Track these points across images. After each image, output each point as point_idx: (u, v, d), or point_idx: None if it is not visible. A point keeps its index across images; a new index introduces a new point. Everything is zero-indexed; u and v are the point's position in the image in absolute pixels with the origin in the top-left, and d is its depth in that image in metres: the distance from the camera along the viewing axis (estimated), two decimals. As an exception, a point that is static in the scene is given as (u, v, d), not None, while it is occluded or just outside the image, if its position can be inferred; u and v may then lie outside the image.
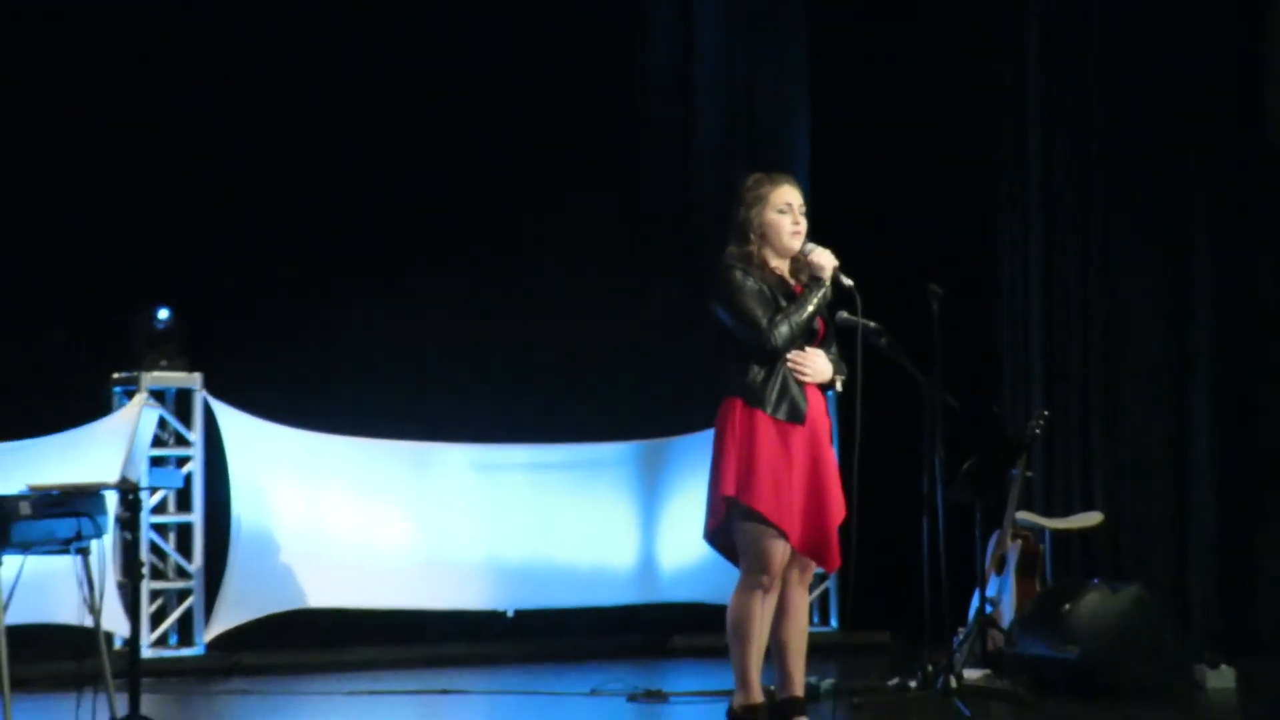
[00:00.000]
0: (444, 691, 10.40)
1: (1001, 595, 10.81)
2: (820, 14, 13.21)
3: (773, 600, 7.98)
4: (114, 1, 11.71)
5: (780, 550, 7.84)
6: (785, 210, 7.93)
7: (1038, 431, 11.00)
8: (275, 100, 12.01)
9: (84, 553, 7.51)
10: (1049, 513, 11.81)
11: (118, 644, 10.07)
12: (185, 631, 11.41)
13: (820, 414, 7.98)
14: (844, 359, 8.11)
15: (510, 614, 12.07)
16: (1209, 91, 12.35)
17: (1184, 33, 12.31)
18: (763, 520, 7.79)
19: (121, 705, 7.52)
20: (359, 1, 12.35)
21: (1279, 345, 12.71)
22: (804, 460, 7.89)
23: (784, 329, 7.77)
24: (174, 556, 11.42)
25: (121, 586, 9.76)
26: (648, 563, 12.43)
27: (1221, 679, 10.03)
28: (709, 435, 8.13)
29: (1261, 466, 12.55)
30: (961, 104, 12.92)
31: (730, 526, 7.89)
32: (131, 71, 11.71)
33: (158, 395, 11.20)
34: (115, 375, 11.23)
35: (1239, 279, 12.54)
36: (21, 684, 7.27)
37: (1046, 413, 11.37)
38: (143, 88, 11.73)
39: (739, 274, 7.84)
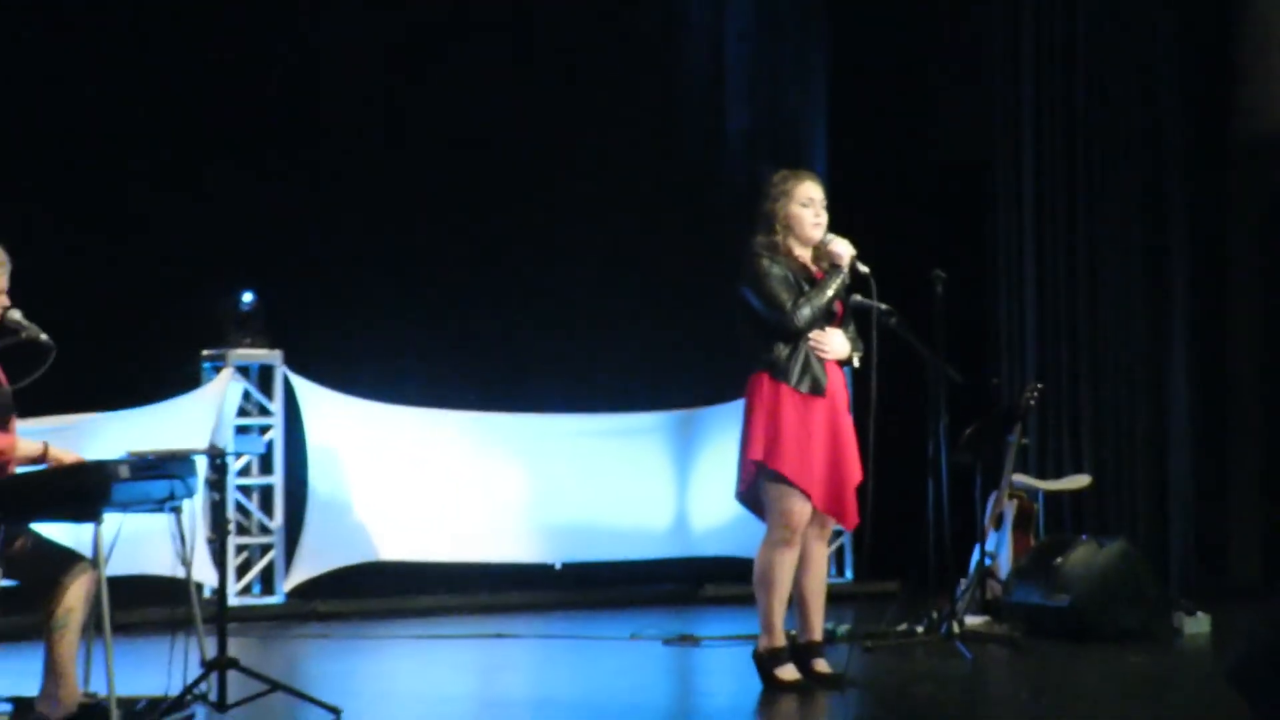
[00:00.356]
0: (498, 635, 10.43)
1: (999, 549, 10.80)
2: (840, 24, 13.17)
3: (795, 553, 8.05)
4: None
5: (803, 509, 7.94)
6: (808, 204, 8.04)
7: (1031, 402, 11.02)
8: (346, 106, 12.00)
9: (177, 511, 7.52)
10: (1042, 475, 11.78)
11: (206, 593, 10.09)
12: (267, 582, 11.47)
13: (839, 387, 8.07)
14: (860, 337, 8.18)
15: (558, 566, 12.09)
16: (1185, 92, 12.34)
17: (1164, 39, 12.29)
18: (787, 482, 7.90)
19: (210, 648, 7.52)
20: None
21: (1247, 326, 12.72)
22: (824, 428, 7.98)
23: (806, 311, 7.88)
24: (257, 515, 11.46)
25: (210, 541, 9.79)
26: (681, 520, 12.43)
27: (1198, 625, 10.05)
28: (737, 406, 8.19)
29: (1231, 437, 12.57)
30: (961, 106, 12.88)
31: (758, 487, 7.97)
32: (226, 78, 11.76)
33: (243, 370, 11.24)
34: (205, 353, 11.25)
35: (1212, 266, 12.56)
36: (121, 629, 7.28)
37: (1039, 385, 11.38)
38: (234, 97, 11.75)
39: (766, 261, 7.94)
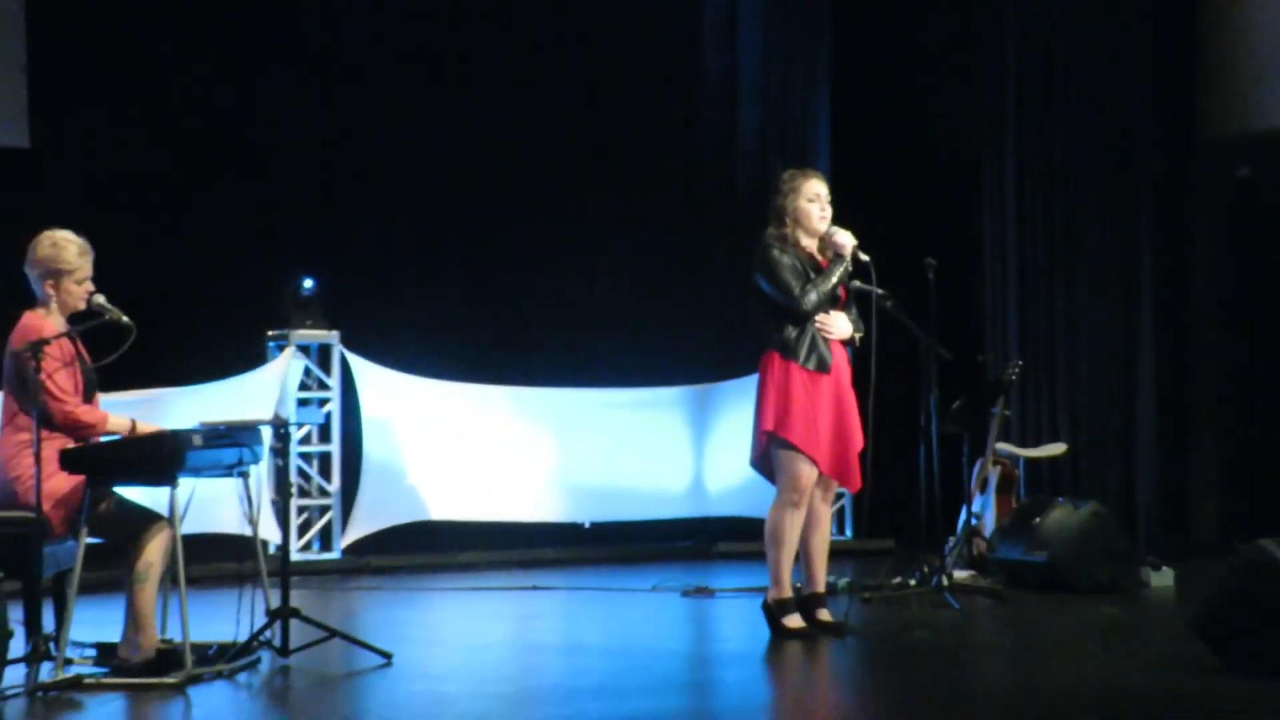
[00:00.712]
0: (534, 588, 10.44)
1: (984, 511, 10.80)
2: (842, 37, 13.16)
3: (803, 514, 8.11)
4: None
5: (810, 473, 8.02)
6: (814, 199, 8.12)
7: (1013, 377, 11.00)
8: (392, 115, 11.99)
9: (244, 476, 7.54)
10: (1022, 443, 11.78)
11: (271, 549, 10.11)
12: (325, 539, 11.48)
13: (843, 364, 8.16)
14: (861, 319, 8.21)
15: (587, 525, 12.11)
16: (1154, 98, 12.33)
17: (1135, 49, 12.28)
18: (796, 450, 7.98)
19: (274, 599, 7.54)
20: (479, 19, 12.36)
21: (1208, 312, 12.72)
22: (830, 402, 8.06)
23: (813, 296, 7.96)
24: (316, 479, 11.47)
25: (274, 503, 9.81)
26: (697, 483, 12.43)
27: (1163, 578, 10.06)
28: (749, 381, 8.26)
29: (1191, 411, 12.58)
30: (952, 111, 12.86)
31: (770, 455, 8.02)
32: (293, 83, 11.80)
33: (303, 349, 11.24)
34: (269, 333, 11.26)
35: (1176, 255, 12.56)
36: (194, 581, 7.30)
37: (1021, 362, 11.36)
38: (298, 104, 11.77)
39: (776, 251, 8.03)
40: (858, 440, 8.19)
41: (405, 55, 12.07)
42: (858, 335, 8.22)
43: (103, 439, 7.20)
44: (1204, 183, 12.67)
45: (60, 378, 7.03)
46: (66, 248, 7.26)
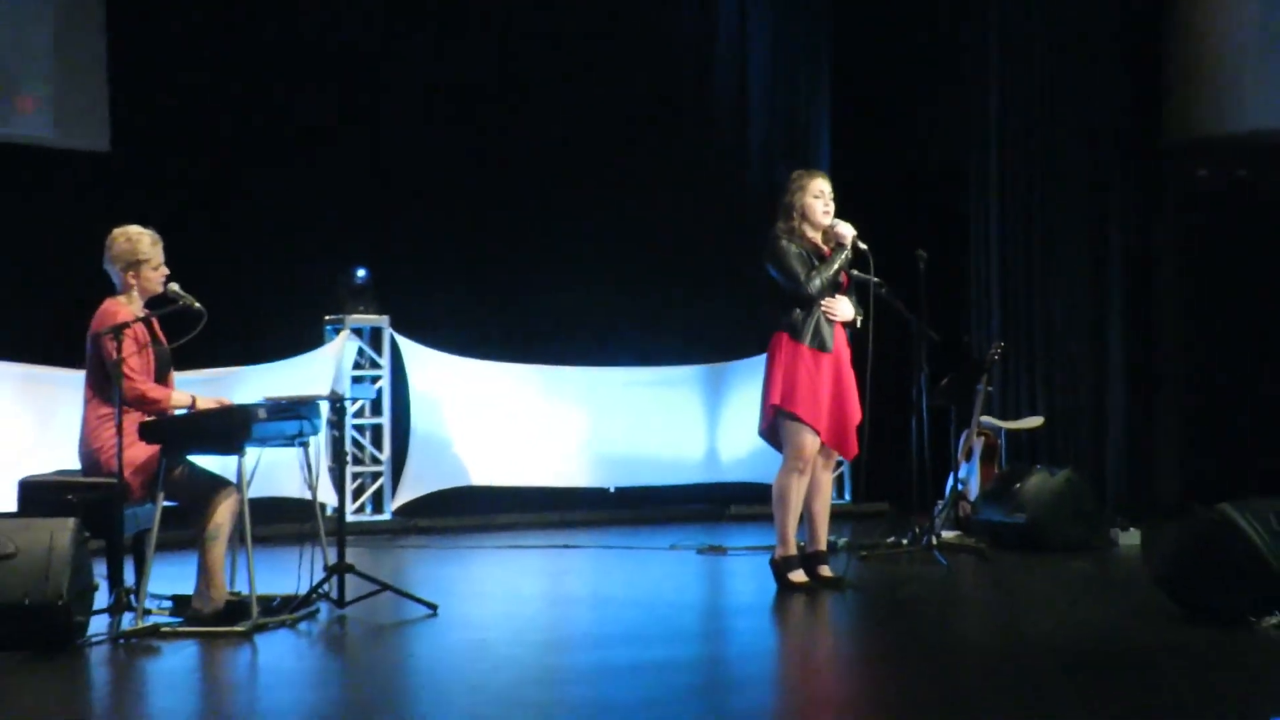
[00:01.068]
0: (565, 546, 10.46)
1: (969, 477, 10.80)
2: (841, 53, 13.18)
3: (806, 479, 8.13)
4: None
5: (813, 443, 8.05)
6: (819, 196, 8.18)
7: (996, 357, 11.02)
8: (435, 125, 12.01)
9: (305, 445, 7.56)
10: (1004, 417, 11.76)
11: (328, 511, 10.13)
12: (377, 502, 11.51)
13: (843, 344, 8.19)
14: (860, 304, 8.22)
15: (612, 490, 12.13)
16: (1123, 103, 12.32)
17: (1105, 60, 12.26)
18: (801, 421, 8.02)
19: (331, 556, 7.56)
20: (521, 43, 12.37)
21: (1171, 298, 12.69)
22: (831, 378, 8.09)
23: (817, 282, 8.01)
24: (369, 448, 11.50)
25: (331, 470, 9.84)
26: (712, 452, 12.45)
27: (1130, 538, 10.05)
28: (758, 361, 8.27)
29: (1155, 388, 12.56)
30: (941, 118, 12.85)
31: (777, 426, 8.04)
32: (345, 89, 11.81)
33: (357, 332, 11.27)
34: (326, 317, 11.29)
35: (1143, 246, 12.53)
36: (259, 540, 7.32)
37: (1002, 344, 11.39)
38: (359, 116, 11.79)
39: (785, 242, 8.08)
40: (856, 413, 8.20)
41: (453, 73, 12.06)
42: (858, 319, 8.24)
43: (175, 413, 7.24)
44: (1168, 181, 12.64)
45: (133, 359, 7.05)
46: (140, 240, 7.31)
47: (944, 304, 11.08)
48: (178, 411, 7.24)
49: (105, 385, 7.09)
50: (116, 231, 7.34)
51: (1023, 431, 11.73)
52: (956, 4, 12.69)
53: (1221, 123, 12.14)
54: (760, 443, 8.42)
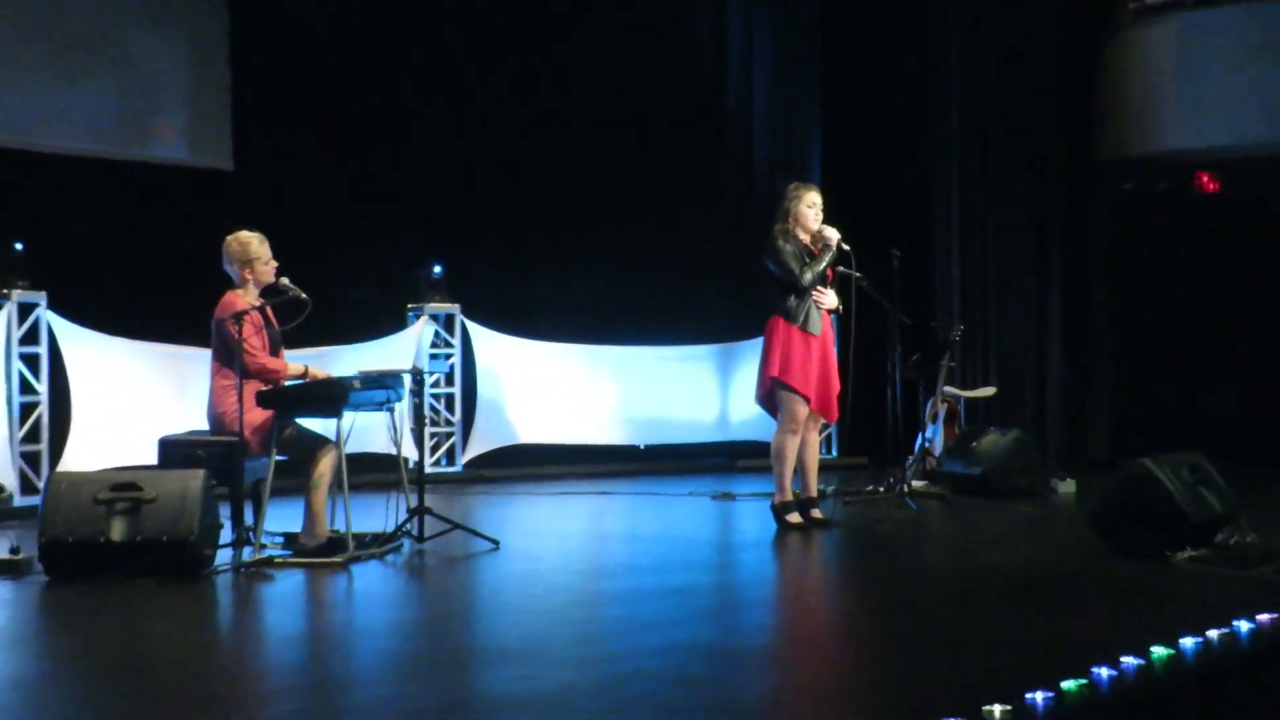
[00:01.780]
0: (602, 493, 10.47)
1: (934, 436, 10.78)
2: (831, 82, 13.14)
3: (798, 438, 8.15)
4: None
5: (804, 409, 8.04)
6: (811, 206, 8.21)
7: (956, 338, 11.00)
8: (491, 140, 11.98)
9: (391, 411, 7.58)
10: (963, 387, 11.72)
11: (410, 464, 10.12)
12: (450, 456, 11.50)
13: (828, 327, 8.24)
14: (840, 295, 8.24)
15: (642, 446, 12.10)
16: (1061, 124, 12.30)
17: (1046, 90, 12.24)
18: (794, 391, 8.03)
19: (412, 500, 7.58)
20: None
21: (1102, 287, 12.67)
22: (818, 356, 8.10)
23: (809, 276, 8.02)
24: (443, 412, 11.50)
25: (413, 430, 9.84)
26: (724, 415, 12.42)
27: (1067, 487, 10.05)
28: (761, 341, 8.22)
29: (1089, 362, 12.56)
30: (911, 139, 12.80)
31: (772, 395, 8.06)
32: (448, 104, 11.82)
33: (434, 317, 11.26)
34: (409, 305, 11.27)
35: (1078, 245, 12.52)
36: (354, 488, 7.33)
37: (962, 327, 11.39)
38: (439, 137, 11.78)
39: (781, 242, 8.09)
40: (837, 385, 8.22)
41: (519, 103, 12.04)
42: (839, 307, 8.27)
43: (286, 383, 7.27)
44: (1099, 192, 12.60)
45: (253, 339, 7.08)
46: (249, 242, 7.36)
47: (914, 294, 11.05)
48: (290, 381, 7.27)
49: (227, 361, 7.12)
50: (230, 238, 7.38)
51: (979, 399, 11.70)
52: (923, 44, 12.65)
53: (1145, 143, 12.10)
54: (759, 408, 8.45)
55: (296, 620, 6.15)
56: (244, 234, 7.37)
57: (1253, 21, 11.46)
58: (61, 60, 10.07)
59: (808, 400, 8.04)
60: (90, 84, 10.22)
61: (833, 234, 8.15)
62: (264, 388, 7.13)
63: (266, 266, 7.34)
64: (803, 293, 8.02)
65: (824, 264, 8.09)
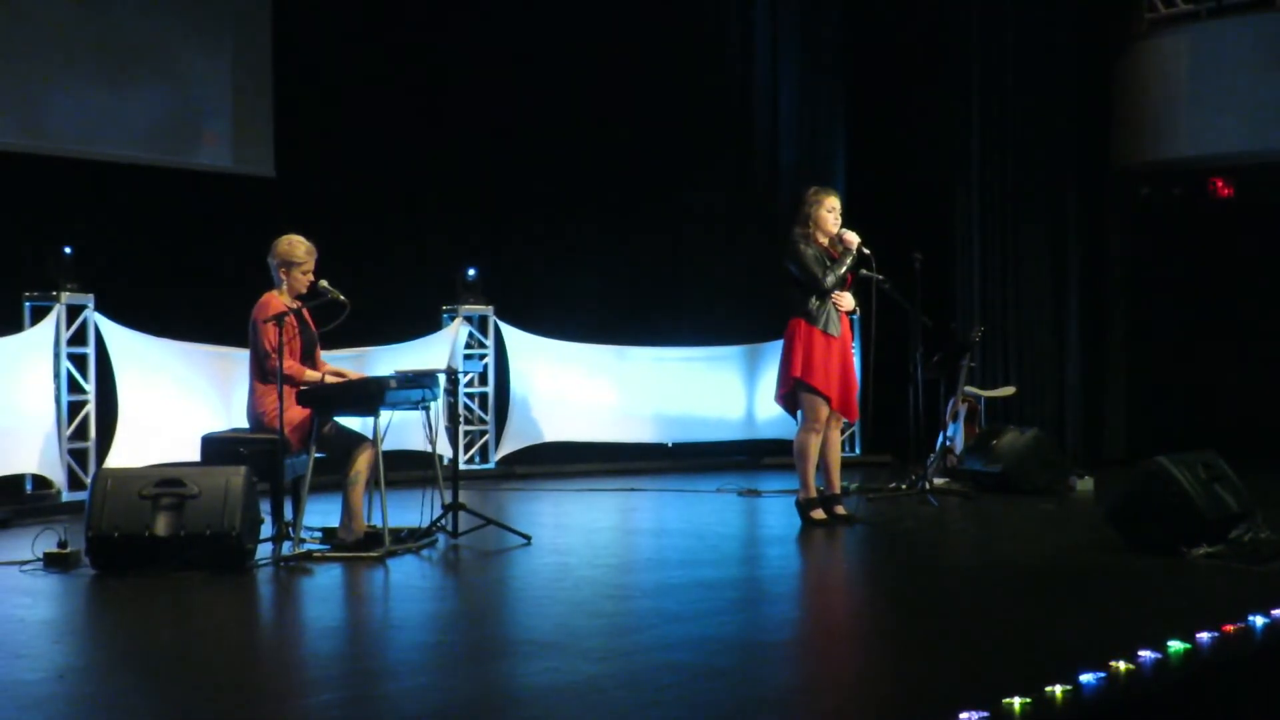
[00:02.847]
0: (631, 489, 10.46)
1: (955, 435, 10.74)
2: (854, 92, 13.13)
3: (820, 436, 8.14)
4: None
5: (825, 408, 8.01)
6: (832, 210, 8.20)
7: (977, 339, 10.94)
8: (543, 152, 12.01)
9: (426, 409, 7.57)
10: (983, 386, 11.68)
11: (445, 461, 10.12)
12: (484, 453, 11.50)
13: (847, 329, 8.23)
14: (858, 298, 8.26)
15: (669, 444, 12.08)
16: (1080, 132, 12.28)
17: (1063, 95, 12.24)
18: (816, 391, 8.02)
19: (447, 496, 7.58)
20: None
21: (1118, 290, 12.62)
22: (837, 357, 8.11)
23: (830, 279, 8.00)
24: (477, 411, 11.50)
25: (448, 428, 9.87)
26: (750, 414, 12.39)
27: (1086, 485, 9.99)
28: (780, 342, 8.23)
29: (1106, 363, 12.49)
30: (932, 144, 12.76)
31: (794, 394, 8.07)
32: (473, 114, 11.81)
33: (469, 319, 11.26)
34: (444, 307, 11.26)
35: (1095, 251, 12.47)
36: (391, 484, 7.34)
37: (983, 327, 11.33)
38: (471, 151, 11.79)
39: (803, 245, 8.08)
40: (855, 384, 8.23)
41: (551, 109, 12.04)
42: (857, 309, 8.27)
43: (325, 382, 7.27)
44: (1116, 198, 12.56)
45: (273, 341, 7.05)
46: (298, 246, 7.34)
47: (935, 296, 11.01)
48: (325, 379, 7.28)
49: (264, 361, 7.12)
50: (282, 237, 7.38)
51: (998, 398, 11.66)
52: (945, 53, 12.61)
53: (1160, 150, 12.08)
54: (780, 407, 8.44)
55: (335, 612, 6.15)
56: (296, 237, 7.36)
57: (1265, 30, 11.45)
58: (110, 70, 10.12)
59: (829, 400, 8.03)
60: (138, 93, 10.28)
61: (853, 238, 8.13)
62: (303, 387, 7.12)
63: (304, 277, 7.30)
64: (824, 295, 8.01)
65: (845, 267, 8.07)
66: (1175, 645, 4.78)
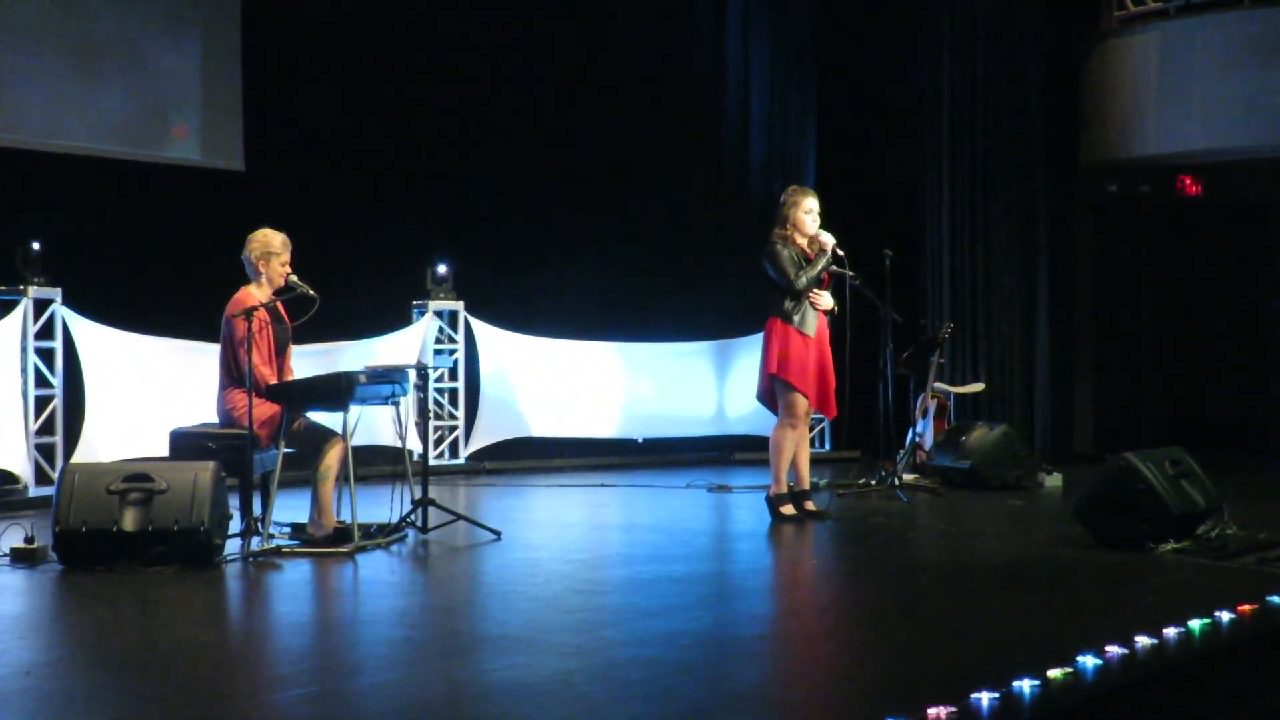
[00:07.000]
0: (601, 485, 10.46)
1: (925, 431, 10.75)
2: (825, 92, 13.17)
3: (796, 433, 8.11)
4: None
5: (803, 404, 8.06)
6: (809, 212, 8.23)
7: (946, 336, 10.95)
8: (517, 146, 12.00)
9: (396, 404, 7.54)
10: (953, 382, 11.74)
11: (415, 456, 10.11)
12: (454, 449, 11.47)
13: (824, 327, 8.21)
14: (836, 297, 8.24)
15: (640, 440, 12.11)
16: (1048, 129, 12.36)
17: (1033, 93, 12.31)
18: (793, 388, 8.03)
19: (416, 492, 7.56)
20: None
21: (1086, 288, 12.68)
22: (815, 354, 8.12)
23: (804, 280, 8.03)
24: (447, 406, 11.47)
25: (417, 423, 9.85)
26: (720, 410, 12.41)
27: (1053, 480, 10.02)
28: (757, 338, 8.30)
29: (1075, 359, 12.56)
30: (903, 145, 12.81)
31: (772, 391, 8.07)
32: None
33: (438, 314, 11.24)
34: (414, 302, 11.25)
35: (1063, 247, 12.56)
36: (360, 479, 7.33)
37: (952, 324, 11.34)
38: (441, 144, 11.77)
39: (780, 246, 8.10)
40: (833, 381, 8.21)
41: (522, 104, 12.07)
42: (835, 308, 8.27)
43: (291, 379, 7.25)
44: (1084, 195, 12.63)
45: (241, 334, 7.01)
46: (274, 237, 7.32)
47: (905, 293, 11.05)
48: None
49: (235, 357, 7.09)
50: (257, 231, 7.35)
51: (968, 395, 11.71)
52: (914, 51, 12.66)
53: (1129, 147, 12.13)
54: (756, 402, 8.44)
55: (304, 607, 6.13)
56: (271, 230, 7.34)
57: (1234, 29, 11.52)
58: (78, 63, 10.07)
59: (807, 397, 8.05)
60: (106, 86, 10.23)
61: (829, 239, 8.15)
62: (275, 382, 7.10)
63: (282, 268, 7.28)
64: (798, 296, 8.03)
65: (819, 268, 8.08)
66: (1143, 640, 4.80)
